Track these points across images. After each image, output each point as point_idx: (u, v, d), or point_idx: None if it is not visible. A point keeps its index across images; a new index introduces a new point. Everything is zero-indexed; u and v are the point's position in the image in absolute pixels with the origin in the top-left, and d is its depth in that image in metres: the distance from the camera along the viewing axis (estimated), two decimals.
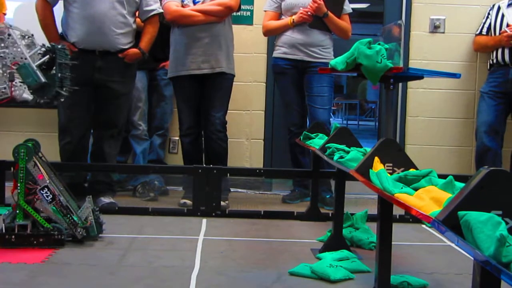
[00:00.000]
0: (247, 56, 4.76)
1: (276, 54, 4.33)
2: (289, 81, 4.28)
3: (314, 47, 4.19)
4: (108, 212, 3.48)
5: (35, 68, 2.77)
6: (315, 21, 4.14)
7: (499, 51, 4.37)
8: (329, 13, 4.11)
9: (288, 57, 4.24)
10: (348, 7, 4.30)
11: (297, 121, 4.31)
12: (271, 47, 4.79)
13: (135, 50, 3.86)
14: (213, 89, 4.05)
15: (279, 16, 4.32)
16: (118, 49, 3.79)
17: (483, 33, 4.55)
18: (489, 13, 4.53)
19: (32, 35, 2.92)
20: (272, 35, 4.45)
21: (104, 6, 3.69)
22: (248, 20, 4.77)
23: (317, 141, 3.33)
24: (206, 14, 3.97)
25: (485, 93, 4.42)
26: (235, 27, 4.28)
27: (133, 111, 4.34)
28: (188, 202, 3.88)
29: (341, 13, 4.22)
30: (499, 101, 4.37)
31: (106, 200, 3.80)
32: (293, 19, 4.17)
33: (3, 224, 2.83)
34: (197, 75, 4.03)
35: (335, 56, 3.73)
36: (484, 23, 4.55)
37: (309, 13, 4.09)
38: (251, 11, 4.76)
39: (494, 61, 4.43)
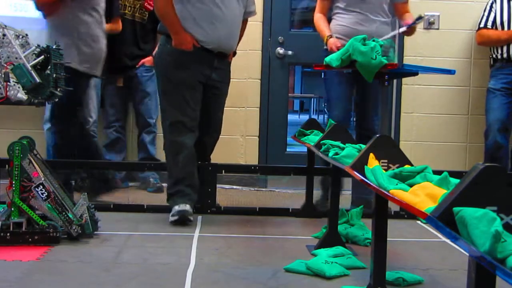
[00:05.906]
0: (242, 53, 4.73)
1: None
2: (344, 76, 3.75)
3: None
4: (104, 210, 3.48)
5: (29, 68, 2.75)
6: None
7: (510, 46, 4.32)
8: None
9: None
10: None
11: (343, 118, 3.71)
12: (265, 44, 4.79)
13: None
14: None
15: (330, 3, 3.81)
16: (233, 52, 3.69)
17: (488, 26, 4.43)
18: (492, 6, 4.43)
19: (26, 34, 2.90)
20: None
21: (235, 7, 3.51)
22: None
23: (312, 138, 3.33)
24: None
25: (497, 90, 4.37)
26: None
27: (86, 112, 4.33)
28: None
29: None
30: (511, 99, 4.36)
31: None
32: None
33: None
34: None
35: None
36: (488, 16, 4.43)
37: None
38: None
39: (500, 56, 4.38)
